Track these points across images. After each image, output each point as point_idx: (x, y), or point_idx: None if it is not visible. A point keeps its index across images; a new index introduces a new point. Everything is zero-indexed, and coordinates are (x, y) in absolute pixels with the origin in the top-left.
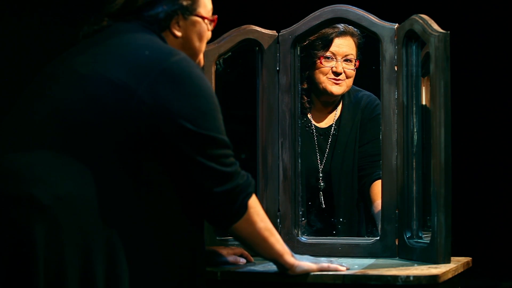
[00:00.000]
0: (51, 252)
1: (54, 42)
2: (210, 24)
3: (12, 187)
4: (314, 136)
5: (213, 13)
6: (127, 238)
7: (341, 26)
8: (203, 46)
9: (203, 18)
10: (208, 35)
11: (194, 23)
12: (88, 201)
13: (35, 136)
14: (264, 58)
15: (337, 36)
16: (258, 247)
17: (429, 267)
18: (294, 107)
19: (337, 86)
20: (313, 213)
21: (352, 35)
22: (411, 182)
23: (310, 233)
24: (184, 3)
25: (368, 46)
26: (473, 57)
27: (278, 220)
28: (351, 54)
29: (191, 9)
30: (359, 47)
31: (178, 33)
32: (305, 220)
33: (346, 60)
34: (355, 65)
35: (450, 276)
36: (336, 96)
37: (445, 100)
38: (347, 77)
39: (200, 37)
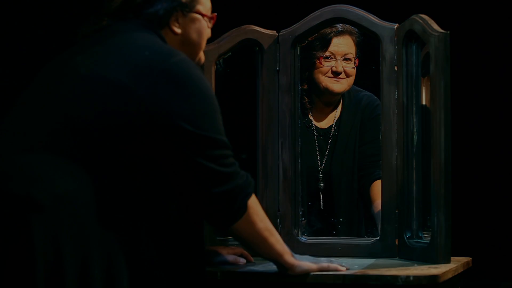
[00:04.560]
0: (50, 252)
1: (54, 42)
2: (209, 21)
3: (10, 187)
4: (314, 136)
5: (213, 13)
6: (126, 238)
7: (339, 26)
8: (203, 44)
9: (202, 15)
10: (207, 32)
11: (194, 20)
12: (86, 201)
13: (34, 136)
14: (264, 58)
15: (336, 35)
16: (258, 247)
17: (429, 267)
18: (294, 107)
19: (338, 84)
20: (313, 213)
21: (350, 33)
22: (411, 182)
23: (310, 233)
24: (183, 0)
25: (368, 46)
26: (473, 57)
27: (278, 220)
28: (350, 53)
29: (190, 6)
30: (358, 46)
31: (178, 30)
32: (305, 220)
33: (345, 59)
34: (354, 63)
35: (450, 276)
36: (337, 94)
37: (445, 100)
38: (348, 76)
39: (200, 34)
